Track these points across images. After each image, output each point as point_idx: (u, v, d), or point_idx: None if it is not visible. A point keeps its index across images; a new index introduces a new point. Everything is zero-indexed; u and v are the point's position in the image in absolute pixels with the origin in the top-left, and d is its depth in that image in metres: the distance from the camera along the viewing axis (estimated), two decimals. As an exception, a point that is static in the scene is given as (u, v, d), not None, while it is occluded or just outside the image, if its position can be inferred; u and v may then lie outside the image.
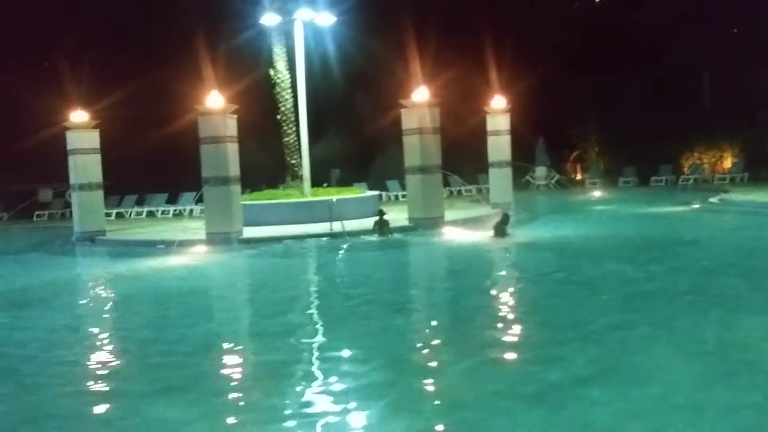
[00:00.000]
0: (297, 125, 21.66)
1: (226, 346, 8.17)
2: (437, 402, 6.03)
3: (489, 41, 27.63)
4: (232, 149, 17.71)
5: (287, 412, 5.79)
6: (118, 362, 7.76)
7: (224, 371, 7.17)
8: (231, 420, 5.78)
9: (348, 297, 10.77)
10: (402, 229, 17.80)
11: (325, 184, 24.50)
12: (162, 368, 7.27)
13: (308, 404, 5.93)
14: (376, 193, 23.39)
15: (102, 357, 7.98)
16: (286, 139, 22.62)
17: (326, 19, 21.49)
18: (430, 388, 6.31)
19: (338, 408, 5.78)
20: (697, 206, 21.17)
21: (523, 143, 27.07)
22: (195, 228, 19.17)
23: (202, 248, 16.62)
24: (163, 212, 26.95)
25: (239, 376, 7.03)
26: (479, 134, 23.68)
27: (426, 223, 18.05)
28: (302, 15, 20.78)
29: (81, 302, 11.92)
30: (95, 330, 9.58)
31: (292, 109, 22.15)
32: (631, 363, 6.59)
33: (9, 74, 27.50)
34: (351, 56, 28.26)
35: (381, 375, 6.60)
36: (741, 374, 6.15)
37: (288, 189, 22.02)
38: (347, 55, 27.67)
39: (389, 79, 24.87)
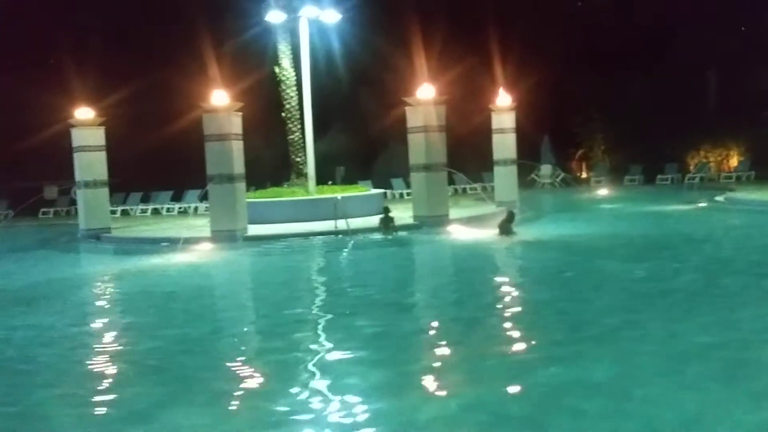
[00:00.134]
0: (302, 123, 21.65)
1: (230, 344, 8.18)
2: (440, 401, 6.00)
3: (494, 39, 27.55)
4: (237, 147, 17.71)
5: (292, 410, 5.78)
6: (121, 361, 7.75)
7: (228, 370, 7.16)
8: (234, 418, 5.77)
9: (353, 295, 10.77)
10: (407, 227, 17.78)
11: (329, 182, 24.48)
12: (165, 367, 7.28)
13: (313, 403, 5.91)
14: (380, 191, 23.37)
15: (106, 356, 7.98)
16: (291, 136, 22.61)
17: (331, 16, 21.46)
18: (434, 388, 6.29)
19: (343, 407, 5.77)
20: (703, 205, 21.10)
21: (528, 141, 26.99)
22: (200, 225, 19.18)
23: (207, 246, 16.63)
24: (168, 210, 26.98)
25: (244, 375, 6.99)
26: (484, 132, 23.63)
27: (431, 221, 18.03)
28: (307, 12, 20.75)
29: (86, 300, 11.90)
30: (100, 328, 9.59)
31: (297, 107, 22.14)
32: (639, 362, 6.56)
33: (14, 72, 27.55)
34: (356, 54, 28.22)
35: (387, 375, 6.58)
36: (748, 371, 6.13)
37: (293, 187, 22.02)
38: (352, 52, 27.64)
39: (394, 77, 24.84)
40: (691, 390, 5.79)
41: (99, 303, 11.60)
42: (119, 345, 8.54)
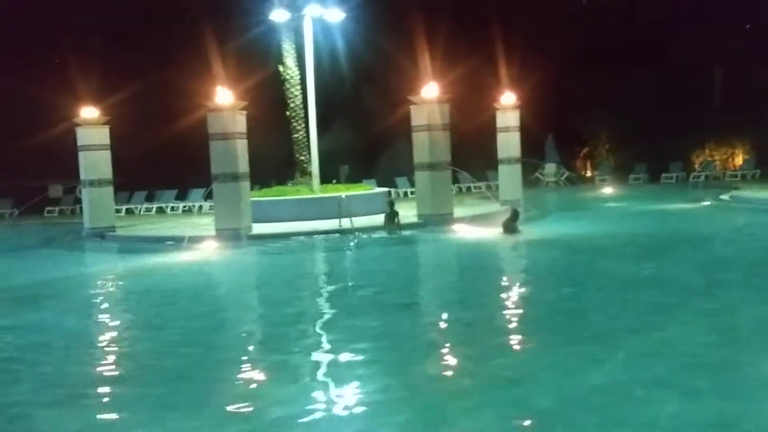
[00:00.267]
0: (306, 121, 21.65)
1: (235, 343, 8.19)
2: (443, 399, 5.99)
3: (499, 37, 27.52)
4: (242, 146, 17.73)
5: (296, 409, 5.78)
6: (127, 360, 7.77)
7: (232, 368, 7.17)
8: (239, 420, 5.78)
9: (357, 294, 10.77)
10: (411, 226, 17.78)
11: (334, 181, 24.48)
12: (167, 366, 7.29)
13: (319, 401, 5.91)
14: (385, 189, 23.35)
15: (111, 355, 8.00)
16: (295, 135, 22.62)
17: (335, 15, 21.46)
18: (439, 387, 6.29)
19: (348, 405, 5.78)
20: (708, 203, 21.06)
21: (532, 140, 26.96)
22: (204, 224, 19.21)
23: (211, 244, 16.65)
24: (172, 208, 27.03)
25: (246, 374, 6.99)
26: (489, 131, 23.61)
27: (435, 219, 18.02)
28: (311, 11, 20.75)
29: (90, 299, 11.92)
30: (104, 327, 9.60)
31: (301, 106, 22.14)
32: (645, 363, 6.54)
33: (20, 72, 27.61)
34: (360, 52, 28.21)
35: (394, 375, 6.56)
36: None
37: (297, 185, 22.03)
38: (356, 51, 27.63)
39: (398, 76, 24.82)
40: (690, 396, 5.77)
41: (103, 302, 11.62)
42: (122, 343, 8.55)
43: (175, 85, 25.90)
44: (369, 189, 22.79)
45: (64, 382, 6.90)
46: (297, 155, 22.73)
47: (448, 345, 7.70)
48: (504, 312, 9.03)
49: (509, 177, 22.86)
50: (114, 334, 9.11)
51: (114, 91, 23.16)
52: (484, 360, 6.90)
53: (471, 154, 25.72)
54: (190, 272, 13.74)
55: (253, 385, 6.66)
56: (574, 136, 33.46)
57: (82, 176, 20.73)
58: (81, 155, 20.62)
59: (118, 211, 23.76)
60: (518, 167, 22.99)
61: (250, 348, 8.08)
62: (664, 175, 29.77)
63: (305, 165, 22.31)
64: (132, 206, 27.50)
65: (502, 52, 26.43)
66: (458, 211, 19.16)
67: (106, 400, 6.41)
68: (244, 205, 17.66)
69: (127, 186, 27.09)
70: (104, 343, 8.58)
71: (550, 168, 31.92)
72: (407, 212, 18.79)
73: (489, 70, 26.35)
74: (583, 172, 34.37)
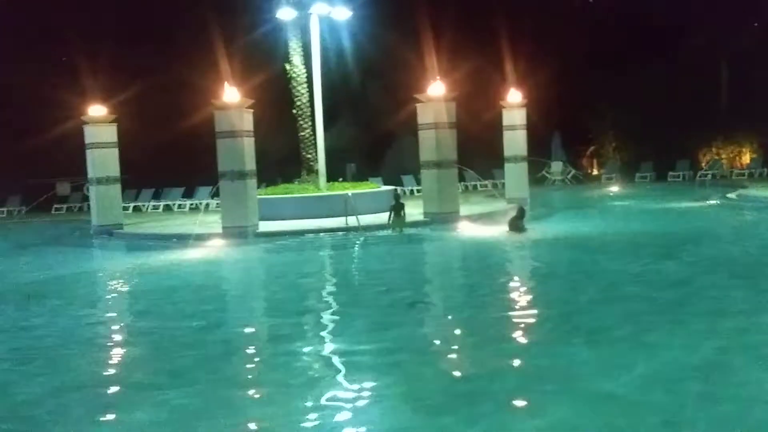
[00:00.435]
0: (312, 120, 21.70)
1: (242, 340, 8.24)
2: (447, 399, 6.02)
3: (505, 35, 27.50)
4: (249, 143, 17.78)
5: (306, 404, 5.82)
6: (133, 358, 7.82)
7: (239, 366, 7.22)
8: (249, 413, 5.82)
9: (363, 292, 10.80)
10: (417, 224, 17.81)
11: (340, 179, 24.52)
12: (172, 362, 7.34)
13: (327, 398, 5.95)
14: (391, 187, 23.38)
15: (118, 352, 8.05)
16: (302, 133, 22.66)
17: (342, 13, 21.49)
18: (443, 386, 6.32)
19: (355, 403, 5.82)
20: (714, 202, 21.02)
21: (539, 138, 26.93)
22: (211, 222, 19.27)
23: (218, 242, 16.72)
24: (179, 206, 27.13)
25: (249, 374, 7.02)
26: (495, 129, 23.60)
27: (441, 218, 18.04)
28: (318, 9, 20.79)
29: (98, 296, 12.02)
30: (110, 324, 9.66)
31: (308, 104, 22.18)
32: (650, 364, 6.55)
33: (28, 70, 27.74)
34: (366, 51, 28.24)
35: (401, 374, 6.58)
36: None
37: (303, 183, 22.07)
38: (363, 49, 27.66)
39: (405, 74, 24.84)
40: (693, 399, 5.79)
41: (110, 298, 11.70)
42: (128, 340, 8.61)
43: (182, 83, 26.00)
44: (375, 187, 22.82)
45: (73, 376, 6.97)
46: (303, 153, 22.77)
47: (453, 343, 7.72)
48: (507, 311, 9.04)
49: (515, 175, 22.86)
50: (117, 330, 9.17)
51: (122, 89, 23.29)
52: (491, 354, 6.94)
53: (477, 152, 25.68)
54: (196, 270, 13.79)
55: (255, 385, 6.65)
56: (581, 134, 33.44)
57: (90, 174, 20.83)
58: (89, 153, 20.72)
59: (125, 208, 23.86)
60: (524, 165, 22.99)
61: (255, 345, 8.12)
62: (670, 173, 29.72)
63: (312, 163, 22.35)
64: (139, 204, 27.62)
65: (508, 49, 26.42)
66: (464, 210, 19.18)
67: (109, 392, 6.48)
68: (251, 202, 17.71)
69: (134, 184, 27.22)
70: (107, 340, 8.64)
71: (556, 166, 31.90)
72: (413, 210, 18.82)
73: (495, 68, 26.35)
74: (589, 171, 34.33)
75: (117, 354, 7.96)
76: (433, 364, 6.86)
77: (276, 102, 23.31)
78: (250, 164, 17.75)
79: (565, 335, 7.53)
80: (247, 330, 8.77)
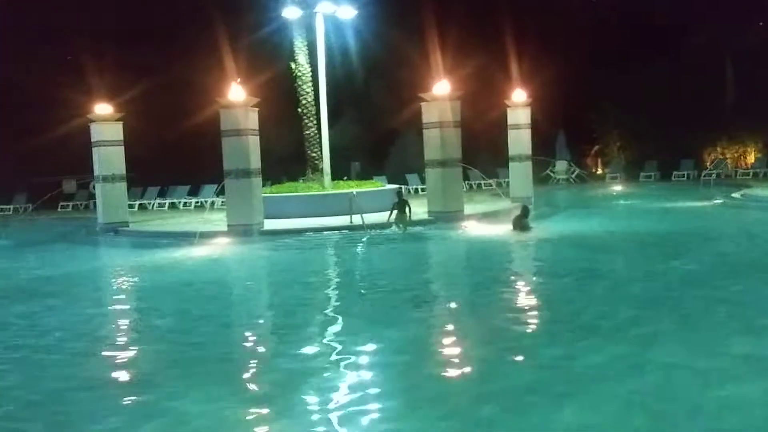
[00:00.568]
0: (317, 118, 21.76)
1: (247, 337, 8.29)
2: (451, 398, 6.07)
3: (510, 34, 27.52)
4: (254, 142, 17.84)
5: (311, 407, 5.87)
6: (139, 355, 7.85)
7: (244, 364, 7.28)
8: (255, 412, 5.89)
9: (367, 291, 10.82)
10: (421, 223, 17.85)
11: (345, 177, 24.58)
12: (179, 359, 7.40)
13: (327, 398, 5.99)
14: (396, 186, 23.41)
15: (121, 349, 8.09)
16: (307, 132, 22.71)
17: (347, 12, 21.54)
18: (447, 384, 6.36)
19: (357, 402, 5.86)
20: (719, 201, 21.00)
21: (543, 137, 26.98)
22: (216, 220, 19.35)
23: (223, 240, 16.79)
24: (185, 204, 27.22)
25: (252, 372, 7.04)
26: (499, 128, 23.63)
27: (446, 216, 18.08)
28: (323, 8, 20.84)
29: (104, 293, 12.10)
30: (115, 321, 9.72)
31: (313, 103, 22.24)
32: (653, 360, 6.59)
33: (34, 69, 27.87)
34: (371, 50, 28.29)
35: (406, 374, 6.59)
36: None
37: (308, 182, 22.14)
38: (368, 48, 27.71)
39: (410, 72, 24.88)
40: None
41: (115, 296, 11.75)
42: (134, 337, 8.67)
43: (188, 81, 26.10)
44: (380, 186, 22.87)
45: (78, 372, 7.05)
46: (308, 152, 22.83)
47: (456, 343, 7.76)
48: (511, 310, 9.05)
49: (520, 174, 22.89)
50: (123, 327, 9.22)
51: (127, 88, 23.38)
52: (495, 353, 6.98)
53: (482, 151, 25.76)
54: (202, 267, 13.85)
55: (258, 384, 6.67)
56: (585, 133, 33.42)
57: (96, 172, 20.93)
58: (95, 151, 20.81)
59: (131, 206, 23.94)
60: (529, 164, 23.02)
61: (259, 344, 8.16)
62: (675, 173, 29.70)
63: (316, 161, 22.42)
64: (145, 202, 27.71)
65: (513, 49, 26.44)
66: (469, 208, 19.21)
67: (115, 390, 6.54)
68: (256, 201, 17.78)
69: (140, 182, 27.32)
70: (112, 337, 8.71)
71: (560, 165, 31.91)
72: (418, 209, 18.87)
73: (500, 67, 26.37)
74: (593, 170, 34.32)
75: (125, 351, 8.02)
76: (436, 364, 6.90)
77: (281, 100, 23.37)
78: (255, 163, 17.81)
79: (572, 334, 7.54)
80: (249, 328, 8.81)
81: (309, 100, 22.46)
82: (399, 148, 31.16)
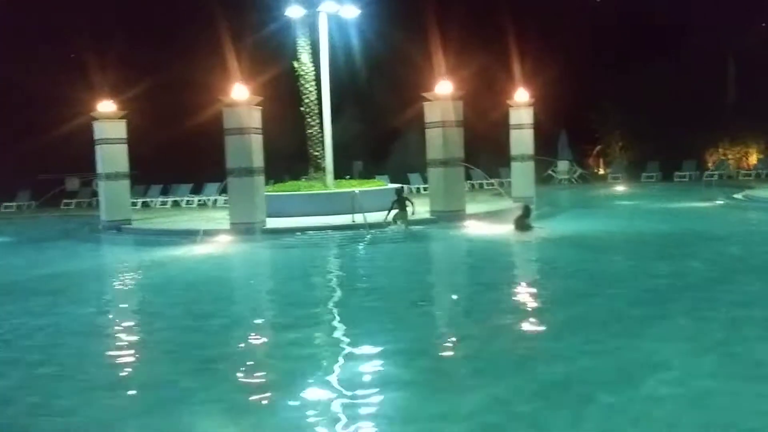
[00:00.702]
0: (320, 117, 21.80)
1: (249, 336, 8.32)
2: (453, 398, 6.09)
3: (512, 34, 27.51)
4: (256, 141, 17.89)
5: (311, 405, 5.92)
6: (139, 354, 7.90)
7: (245, 363, 7.31)
8: (257, 410, 5.92)
9: (369, 291, 10.85)
10: (423, 222, 17.89)
11: (347, 176, 24.60)
12: (181, 357, 7.44)
13: (329, 399, 6.03)
14: (398, 185, 23.45)
15: (124, 347, 8.13)
16: (310, 131, 22.74)
17: (350, 11, 21.57)
18: (451, 383, 6.39)
19: (360, 403, 5.90)
20: (721, 202, 21.02)
21: (545, 137, 26.97)
22: (219, 218, 19.40)
23: (226, 238, 16.84)
24: (187, 202, 27.28)
25: (254, 371, 7.05)
26: (502, 127, 23.65)
27: (447, 216, 18.12)
28: (327, 7, 20.87)
29: (106, 291, 12.12)
30: (118, 319, 9.74)
31: (316, 102, 22.27)
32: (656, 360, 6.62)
33: (37, 67, 27.92)
34: (374, 49, 28.32)
35: (407, 373, 6.61)
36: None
37: (311, 181, 22.18)
38: (371, 47, 27.73)
39: (412, 72, 24.90)
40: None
41: (118, 294, 11.78)
42: (137, 335, 8.73)
43: (191, 79, 26.13)
44: (382, 185, 22.90)
45: (79, 371, 7.09)
46: (311, 150, 22.86)
47: (458, 343, 7.79)
48: (511, 310, 9.10)
49: (522, 174, 22.91)
50: (126, 325, 9.26)
51: (130, 86, 23.43)
52: (498, 352, 7.01)
53: (484, 150, 25.75)
54: (204, 265, 13.90)
55: (260, 383, 6.67)
56: (587, 133, 33.45)
57: (99, 170, 20.98)
58: (98, 149, 20.87)
59: (134, 204, 24.01)
60: (531, 164, 23.05)
61: (261, 342, 8.20)
62: (677, 173, 29.70)
63: (319, 160, 22.45)
64: (148, 200, 27.77)
65: (515, 48, 26.44)
66: (470, 208, 19.24)
67: (117, 388, 6.59)
68: (259, 199, 17.83)
69: (143, 180, 27.38)
70: (115, 335, 8.74)
71: (562, 165, 31.93)
72: (419, 208, 18.91)
73: (502, 67, 26.38)
74: (595, 170, 34.34)
75: (127, 350, 8.06)
76: (439, 364, 6.95)
77: (284, 99, 23.41)
78: (258, 161, 17.86)
79: (573, 334, 7.58)
80: (251, 326, 8.85)
81: (312, 99, 22.49)
82: (401, 147, 31.16)
